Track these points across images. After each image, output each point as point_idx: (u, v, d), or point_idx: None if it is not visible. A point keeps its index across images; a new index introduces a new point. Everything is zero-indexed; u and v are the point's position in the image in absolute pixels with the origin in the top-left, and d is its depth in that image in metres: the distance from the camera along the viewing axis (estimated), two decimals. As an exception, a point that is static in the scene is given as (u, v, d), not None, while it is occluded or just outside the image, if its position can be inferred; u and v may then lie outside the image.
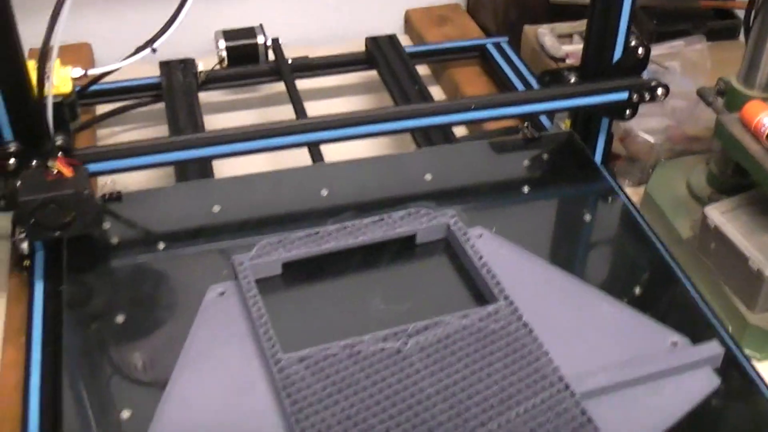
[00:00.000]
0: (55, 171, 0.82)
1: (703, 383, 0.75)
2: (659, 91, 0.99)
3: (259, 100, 1.25)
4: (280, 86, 1.21)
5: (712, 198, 1.03)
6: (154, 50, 0.87)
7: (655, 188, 1.11)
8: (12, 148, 0.83)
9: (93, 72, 0.89)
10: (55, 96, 0.83)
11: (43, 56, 0.77)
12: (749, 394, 0.75)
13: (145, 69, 1.16)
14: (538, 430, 0.69)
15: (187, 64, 1.19)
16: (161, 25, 0.86)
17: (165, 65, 1.19)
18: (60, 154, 0.83)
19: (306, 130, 0.94)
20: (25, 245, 0.91)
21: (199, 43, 1.21)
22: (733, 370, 0.76)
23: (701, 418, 0.73)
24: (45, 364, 0.82)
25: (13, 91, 0.81)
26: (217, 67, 1.18)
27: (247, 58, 1.19)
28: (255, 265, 0.81)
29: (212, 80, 1.19)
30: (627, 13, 0.94)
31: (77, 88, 0.89)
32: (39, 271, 0.90)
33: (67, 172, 0.82)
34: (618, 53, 0.97)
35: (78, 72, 0.87)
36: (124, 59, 0.88)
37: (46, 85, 0.79)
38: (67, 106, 0.86)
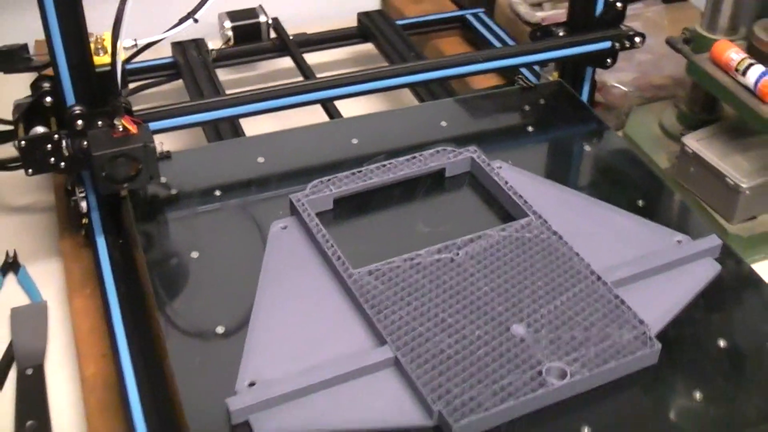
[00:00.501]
0: (121, 128, 0.91)
1: (707, 270, 0.88)
2: (637, 39, 1.12)
3: (265, 75, 1.34)
4: (282, 62, 1.31)
5: (684, 134, 1.17)
6: (196, 20, 0.96)
7: (632, 130, 1.24)
8: (77, 110, 0.91)
9: (142, 42, 0.97)
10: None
11: (117, 24, 0.85)
12: (743, 276, 0.88)
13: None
14: (581, 314, 0.80)
15: (199, 43, 1.28)
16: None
17: (178, 45, 1.27)
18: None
19: (326, 87, 1.03)
20: (84, 204, 0.99)
21: (200, 26, 1.30)
22: (729, 258, 0.89)
23: (708, 298, 0.85)
24: (123, 302, 0.91)
25: (78, 60, 0.89)
26: (224, 46, 1.28)
27: (252, 37, 1.28)
28: (311, 200, 0.91)
29: (222, 58, 1.28)
30: (607, -30, 1.07)
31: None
32: (98, 227, 0.99)
33: (133, 128, 0.91)
34: (600, 8, 1.10)
35: (129, 42, 0.95)
36: (167, 30, 0.97)
37: (118, 49, 0.87)
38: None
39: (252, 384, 0.74)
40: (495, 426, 0.72)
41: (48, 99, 0.92)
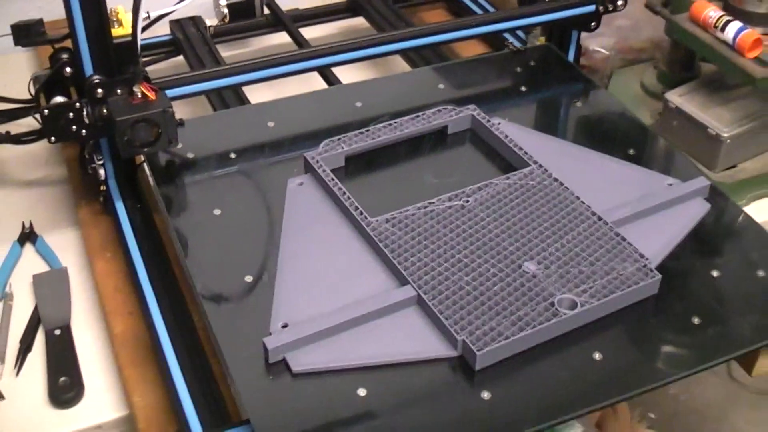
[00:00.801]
0: (140, 95, 0.95)
1: (698, 208, 0.94)
2: (619, 2, 1.18)
3: (262, 50, 1.38)
4: (277, 37, 1.36)
5: (664, 92, 1.23)
6: (204, -9, 1.01)
7: (615, 91, 1.30)
8: (97, 79, 0.95)
9: (153, 14, 1.01)
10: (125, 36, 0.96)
11: (138, -5, 0.90)
12: (730, 212, 0.95)
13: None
14: (586, 251, 0.86)
15: (197, 20, 1.32)
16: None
17: (176, 23, 1.31)
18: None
19: (326, 54, 1.07)
20: (102, 171, 1.03)
21: (196, 5, 1.34)
22: (716, 197, 0.95)
23: (701, 233, 0.92)
24: (146, 262, 0.95)
25: (96, 31, 0.93)
26: (221, 23, 1.32)
27: (246, 13, 1.32)
28: (324, 158, 0.96)
29: (219, 34, 1.32)
30: (591, -64, 1.13)
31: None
32: (116, 193, 1.03)
33: (152, 95, 0.95)
34: (583, -28, 1.16)
35: (142, 15, 0.99)
36: (178, 2, 1.01)
37: (139, 18, 0.91)
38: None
39: (285, 326, 0.79)
40: (515, 354, 0.78)
41: (68, 69, 0.95)
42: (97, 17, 0.93)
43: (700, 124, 1.14)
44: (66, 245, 1.07)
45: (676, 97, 1.17)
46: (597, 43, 1.34)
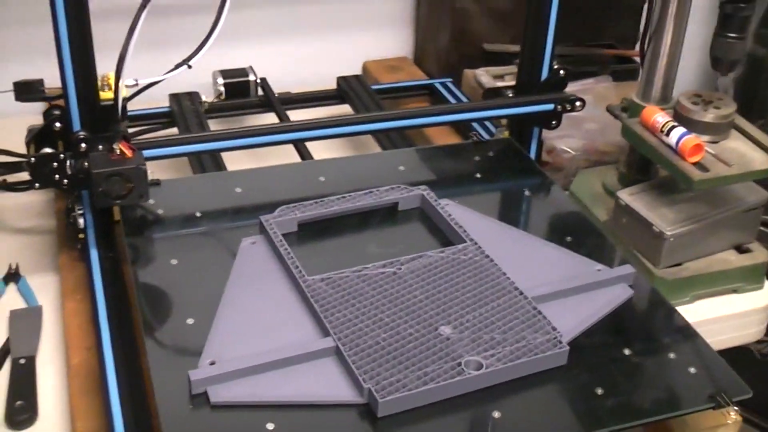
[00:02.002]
0: (118, 152, 1.05)
1: (621, 293, 1.01)
2: (577, 103, 1.27)
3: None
4: (267, 117, 1.47)
5: (622, 191, 1.31)
6: (189, 66, 1.11)
7: (577, 188, 1.38)
8: (82, 135, 1.05)
9: (142, 82, 1.12)
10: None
11: (120, 64, 1.00)
12: (652, 299, 1.02)
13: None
14: (502, 320, 0.93)
15: (193, 96, 1.43)
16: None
17: (174, 97, 1.43)
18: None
19: (298, 129, 1.19)
20: (81, 221, 1.13)
21: (196, 82, 1.46)
22: (641, 285, 1.02)
23: (620, 315, 0.98)
24: (108, 304, 1.03)
25: (86, 93, 1.04)
26: (216, 100, 1.43)
27: (241, 93, 1.44)
28: (278, 222, 1.05)
29: (213, 110, 1.43)
30: (551, 41, 1.23)
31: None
32: (92, 241, 1.12)
33: (129, 153, 1.05)
34: (545, 73, 1.26)
35: (131, 81, 1.10)
36: (165, 73, 1.12)
37: (120, 85, 1.02)
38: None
39: (212, 363, 0.86)
40: (417, 406, 0.84)
41: (57, 124, 1.06)
42: (87, 81, 1.04)
43: (646, 222, 1.21)
44: (45, 287, 1.16)
45: (626, 195, 1.25)
46: (565, 143, 1.43)
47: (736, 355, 1.45)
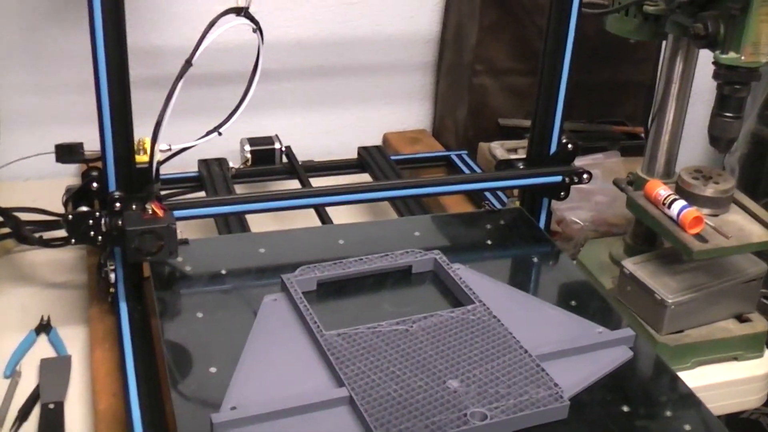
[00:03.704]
0: (151, 212, 1.12)
1: (621, 354, 1.06)
2: (585, 176, 1.34)
3: (274, 193, 1.57)
4: (291, 183, 1.54)
5: (628, 261, 1.36)
6: (220, 133, 1.20)
7: (585, 257, 1.44)
8: (117, 195, 1.13)
9: (175, 147, 1.20)
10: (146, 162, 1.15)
11: (156, 130, 1.09)
12: (651, 361, 1.07)
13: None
14: (506, 375, 0.98)
15: (222, 162, 1.52)
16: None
17: (203, 162, 1.51)
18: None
19: (320, 194, 1.26)
20: (113, 275, 1.20)
21: (224, 149, 1.54)
22: (641, 347, 1.07)
23: (620, 375, 1.03)
24: (135, 352, 1.10)
25: (123, 156, 1.12)
26: (243, 166, 1.51)
27: (267, 160, 1.52)
28: (298, 280, 1.11)
29: (240, 176, 1.51)
30: (559, 117, 1.30)
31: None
32: (122, 294, 1.19)
33: (160, 212, 1.12)
34: (553, 147, 1.33)
35: (164, 146, 1.18)
36: (197, 139, 1.20)
37: (155, 149, 1.10)
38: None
39: (233, 408, 0.92)
40: (424, 454, 0.89)
41: (94, 184, 1.14)
42: (125, 145, 1.12)
43: (650, 290, 1.27)
44: (74, 337, 1.22)
45: (630, 264, 1.31)
46: (575, 215, 1.50)
47: (746, 426, 1.50)
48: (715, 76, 1.20)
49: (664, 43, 1.34)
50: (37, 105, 1.63)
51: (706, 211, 1.25)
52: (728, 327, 1.29)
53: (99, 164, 1.15)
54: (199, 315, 1.08)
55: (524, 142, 1.56)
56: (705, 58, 1.26)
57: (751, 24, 1.14)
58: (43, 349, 1.21)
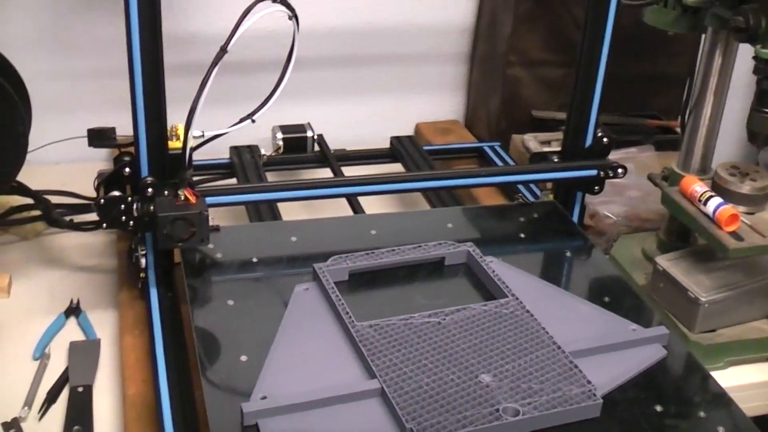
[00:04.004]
0: (183, 198, 1.12)
1: (654, 352, 1.04)
2: (620, 170, 1.32)
3: (304, 181, 1.56)
4: (322, 172, 1.54)
5: (661, 257, 1.35)
6: (253, 121, 1.19)
7: (618, 253, 1.43)
8: (149, 180, 1.13)
9: (208, 133, 1.19)
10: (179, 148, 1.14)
11: (190, 116, 1.08)
12: (685, 360, 1.05)
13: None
14: (540, 371, 0.97)
15: (253, 149, 1.51)
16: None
17: (235, 149, 1.51)
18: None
19: (352, 184, 1.26)
20: (143, 261, 1.19)
21: (256, 136, 1.53)
22: (675, 345, 1.06)
23: (653, 374, 1.02)
24: (165, 339, 1.10)
25: (156, 142, 1.12)
26: (274, 153, 1.51)
27: (299, 148, 1.51)
28: (330, 270, 1.11)
29: (271, 163, 1.51)
30: (596, 111, 1.29)
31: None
32: (153, 280, 1.19)
33: (193, 199, 1.12)
34: (589, 141, 1.31)
35: (197, 133, 1.17)
36: (230, 126, 1.19)
37: (189, 136, 1.10)
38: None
39: (264, 398, 0.92)
40: (456, 448, 0.89)
41: (127, 170, 1.14)
42: (158, 131, 1.12)
43: (682, 288, 1.25)
44: (104, 321, 1.23)
45: (664, 261, 1.29)
46: (608, 209, 1.48)
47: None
48: (756, 70, 1.18)
49: (702, 36, 1.31)
50: (67, 90, 1.63)
51: (742, 208, 1.23)
52: (762, 327, 1.28)
53: (131, 149, 1.14)
54: (230, 303, 1.07)
55: (558, 135, 1.54)
56: (744, 52, 1.24)
57: (795, 18, 1.12)
58: (72, 332, 1.21)
